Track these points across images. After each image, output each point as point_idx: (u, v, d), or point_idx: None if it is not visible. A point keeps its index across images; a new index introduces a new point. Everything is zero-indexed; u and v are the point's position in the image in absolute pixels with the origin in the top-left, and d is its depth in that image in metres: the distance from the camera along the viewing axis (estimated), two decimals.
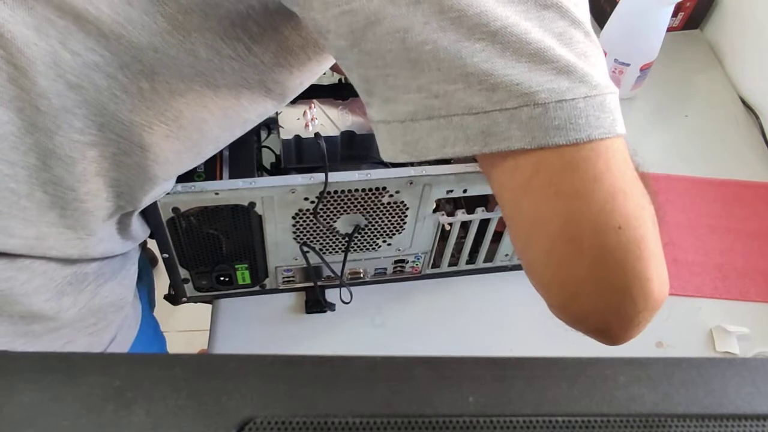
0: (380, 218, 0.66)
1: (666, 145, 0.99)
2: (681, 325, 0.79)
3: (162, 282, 0.75)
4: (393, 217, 0.66)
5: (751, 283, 0.83)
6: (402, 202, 0.64)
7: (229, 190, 0.58)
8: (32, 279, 0.46)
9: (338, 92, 0.70)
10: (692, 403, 0.26)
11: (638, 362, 0.27)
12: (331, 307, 0.75)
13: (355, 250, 0.70)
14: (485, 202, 0.68)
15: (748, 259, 0.85)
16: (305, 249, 0.67)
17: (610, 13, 0.96)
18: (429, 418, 0.24)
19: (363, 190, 0.62)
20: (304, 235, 0.67)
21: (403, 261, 0.74)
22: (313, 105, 0.69)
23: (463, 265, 0.77)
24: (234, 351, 0.72)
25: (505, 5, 0.34)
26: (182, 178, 0.56)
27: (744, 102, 1.04)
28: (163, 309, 0.79)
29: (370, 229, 0.68)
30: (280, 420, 0.23)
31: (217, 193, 0.58)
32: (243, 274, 0.71)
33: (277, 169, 0.69)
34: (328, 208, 0.63)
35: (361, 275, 0.75)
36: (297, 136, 0.66)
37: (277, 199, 0.61)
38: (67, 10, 0.38)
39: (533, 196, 0.36)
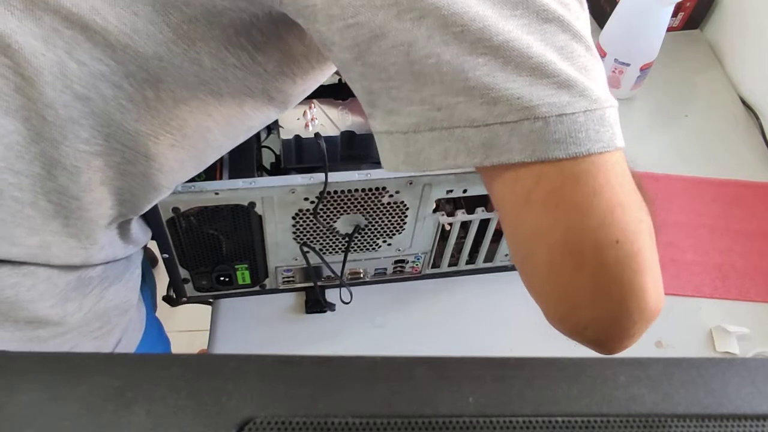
0: (380, 218, 0.66)
1: (666, 145, 0.99)
2: (681, 325, 0.79)
3: (162, 282, 0.75)
4: (393, 217, 0.66)
5: (751, 283, 0.83)
6: (402, 202, 0.64)
7: (229, 190, 0.58)
8: (36, 285, 0.46)
9: (338, 92, 0.70)
10: (692, 403, 0.26)
11: (638, 362, 0.27)
12: (331, 307, 0.75)
13: (355, 250, 0.70)
14: (485, 202, 0.68)
15: (747, 259, 0.85)
16: (305, 249, 0.67)
17: (610, 13, 0.96)
18: (429, 418, 0.24)
19: (363, 190, 0.62)
20: (304, 235, 0.67)
21: (403, 261, 0.74)
22: (313, 105, 0.69)
23: (463, 265, 0.77)
24: (234, 351, 0.72)
25: (508, 19, 0.35)
26: None
27: (744, 102, 1.04)
28: (163, 309, 0.79)
29: (370, 229, 0.68)
30: (280, 420, 0.23)
31: (217, 193, 0.58)
32: (243, 274, 0.71)
33: (277, 169, 0.69)
34: (328, 208, 0.63)
35: (361, 275, 0.75)
36: (297, 136, 0.66)
37: (277, 199, 0.61)
38: (74, 21, 0.39)
39: (533, 209, 0.36)
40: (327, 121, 0.68)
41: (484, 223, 0.70)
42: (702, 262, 0.85)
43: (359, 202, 0.63)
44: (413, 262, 0.75)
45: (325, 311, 0.75)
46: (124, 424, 0.23)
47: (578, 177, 0.35)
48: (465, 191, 0.64)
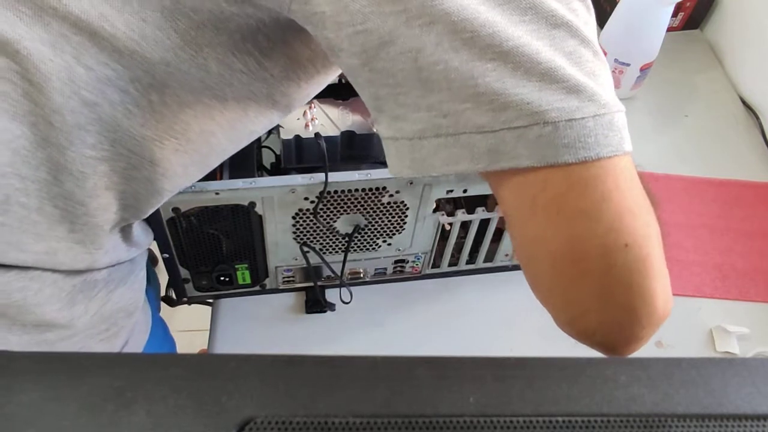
0: (380, 218, 0.66)
1: (666, 145, 0.99)
2: (681, 325, 0.79)
3: (162, 282, 0.75)
4: (393, 217, 0.66)
5: (751, 283, 0.83)
6: (402, 202, 0.64)
7: (229, 190, 0.58)
8: (43, 289, 0.46)
9: (338, 92, 0.70)
10: (692, 403, 0.26)
11: (638, 362, 0.27)
12: (331, 307, 0.75)
13: (355, 250, 0.70)
14: (485, 202, 0.68)
15: (747, 259, 0.85)
16: (305, 249, 0.67)
17: (610, 13, 0.96)
18: (429, 418, 0.24)
19: (363, 190, 0.62)
20: (304, 235, 0.67)
21: (403, 261, 0.74)
22: (313, 105, 0.69)
23: (463, 265, 0.77)
24: (234, 351, 0.72)
25: (517, 25, 0.35)
26: None
27: (744, 102, 1.04)
28: (163, 309, 0.79)
29: (370, 229, 0.68)
30: (280, 420, 0.23)
31: (217, 193, 0.58)
32: (243, 274, 0.71)
33: (277, 169, 0.69)
34: (328, 208, 0.63)
35: (361, 275, 0.75)
36: (297, 136, 0.66)
37: (277, 199, 0.61)
38: (82, 27, 0.39)
39: (541, 214, 0.36)
40: (327, 121, 0.68)
41: (484, 223, 0.70)
42: (702, 262, 0.85)
43: (359, 202, 0.63)
44: (413, 262, 0.75)
45: (325, 311, 0.75)
46: (124, 424, 0.23)
47: (587, 181, 0.35)
48: (465, 191, 0.64)
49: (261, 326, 0.74)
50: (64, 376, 0.24)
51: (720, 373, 0.27)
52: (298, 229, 0.66)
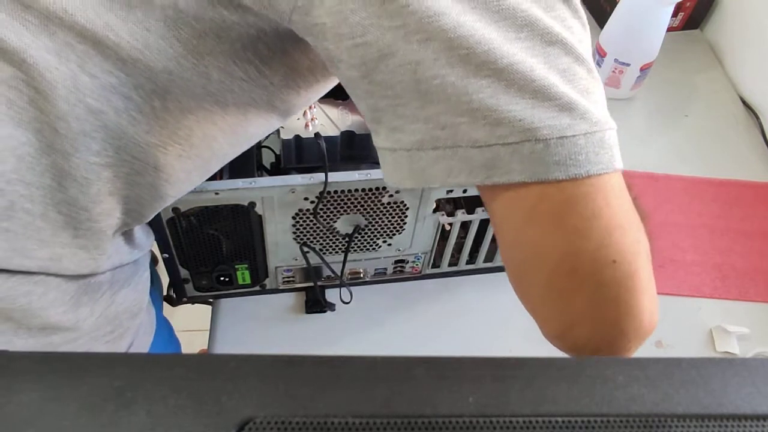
0: (380, 218, 0.66)
1: (666, 145, 0.99)
2: (681, 325, 0.79)
3: (162, 282, 0.75)
4: (393, 217, 0.66)
5: (751, 283, 0.83)
6: (402, 202, 0.64)
7: (229, 190, 0.58)
8: (47, 292, 0.46)
9: (338, 92, 0.70)
10: (692, 403, 0.26)
11: (638, 362, 0.27)
12: (331, 307, 0.75)
13: (355, 250, 0.70)
14: None
15: (747, 259, 0.85)
16: (305, 249, 0.67)
17: (610, 13, 0.96)
18: (429, 418, 0.24)
19: (363, 190, 0.62)
20: (304, 235, 0.67)
21: (403, 261, 0.74)
22: (313, 105, 0.69)
23: (463, 265, 0.77)
24: (234, 351, 0.72)
25: (513, 42, 0.35)
26: None
27: (744, 102, 1.04)
28: (164, 309, 0.79)
29: (370, 229, 0.68)
30: (280, 420, 0.23)
31: (217, 193, 0.58)
32: (243, 274, 0.71)
33: (277, 169, 0.69)
34: (328, 208, 0.63)
35: (361, 275, 0.75)
36: (297, 136, 0.66)
37: (277, 199, 0.61)
38: (87, 36, 0.39)
39: (532, 230, 0.37)
40: (327, 121, 0.68)
41: (484, 223, 0.70)
42: (702, 262, 0.85)
43: (359, 202, 0.63)
44: (413, 262, 0.75)
45: (325, 311, 0.75)
46: (124, 424, 0.23)
47: (578, 198, 0.36)
48: (465, 191, 0.64)
49: (261, 326, 0.74)
50: (64, 376, 0.24)
51: (720, 373, 0.27)
52: (298, 229, 0.66)
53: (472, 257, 0.76)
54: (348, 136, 0.67)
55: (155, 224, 0.60)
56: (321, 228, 0.66)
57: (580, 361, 0.28)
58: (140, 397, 0.24)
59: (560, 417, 0.25)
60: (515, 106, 0.35)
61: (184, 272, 0.69)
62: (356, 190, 0.62)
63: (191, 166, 0.49)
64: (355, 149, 0.68)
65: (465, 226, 0.70)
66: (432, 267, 0.76)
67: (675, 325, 0.79)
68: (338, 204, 0.63)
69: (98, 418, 0.23)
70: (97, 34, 0.39)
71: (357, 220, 0.66)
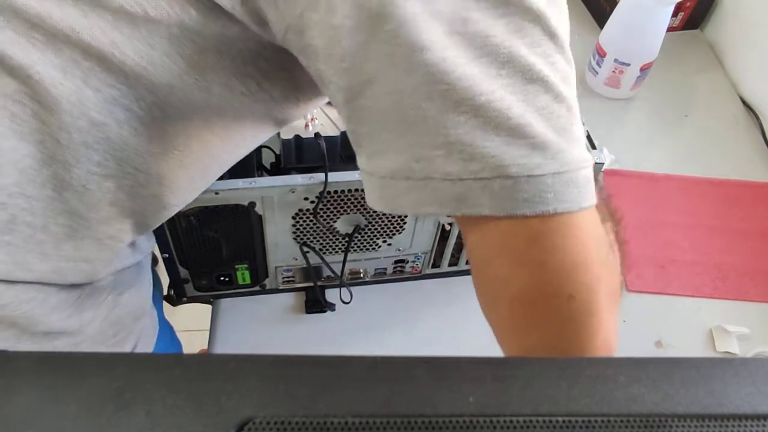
0: (380, 218, 0.66)
1: (666, 145, 0.99)
2: (681, 325, 0.79)
3: (162, 282, 0.75)
4: (393, 217, 0.66)
5: (751, 283, 0.83)
6: None
7: (229, 190, 0.58)
8: (49, 298, 0.46)
9: None
10: (692, 403, 0.26)
11: (638, 362, 0.27)
12: (331, 307, 0.75)
13: (355, 250, 0.70)
14: None
15: (747, 259, 0.85)
16: (305, 249, 0.67)
17: (610, 13, 0.96)
18: (429, 418, 0.24)
19: (363, 190, 0.62)
20: (304, 235, 0.67)
21: (403, 261, 0.74)
22: None
23: (463, 265, 0.77)
24: (234, 351, 0.72)
25: (494, 79, 0.35)
26: None
27: (744, 102, 1.04)
28: (163, 307, 0.79)
29: (370, 229, 0.68)
30: (279, 420, 0.23)
31: (217, 193, 0.58)
32: (243, 274, 0.71)
33: (277, 169, 0.69)
34: (328, 208, 0.63)
35: (361, 275, 0.75)
36: (297, 136, 0.66)
37: (277, 199, 0.61)
38: (93, 53, 0.39)
39: (499, 261, 0.38)
40: (327, 121, 0.68)
41: None
42: (702, 262, 0.85)
43: (359, 202, 0.63)
44: (413, 262, 0.75)
45: (325, 311, 0.75)
46: (124, 425, 0.23)
47: (543, 234, 0.37)
48: None
49: (261, 326, 0.74)
50: (63, 376, 0.24)
51: (720, 373, 0.27)
52: (298, 229, 0.66)
53: None
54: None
55: None
56: (321, 228, 0.66)
57: (580, 361, 0.28)
58: (139, 397, 0.24)
59: (560, 417, 0.25)
60: (490, 143, 0.35)
61: (184, 272, 0.69)
62: (356, 190, 0.62)
63: (192, 173, 0.49)
64: None
65: None
66: (432, 267, 0.76)
67: (675, 325, 0.79)
68: (338, 204, 0.63)
69: (97, 419, 0.23)
70: (102, 51, 0.39)
71: (357, 220, 0.66)
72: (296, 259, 0.70)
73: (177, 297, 0.73)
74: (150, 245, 0.59)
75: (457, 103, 0.35)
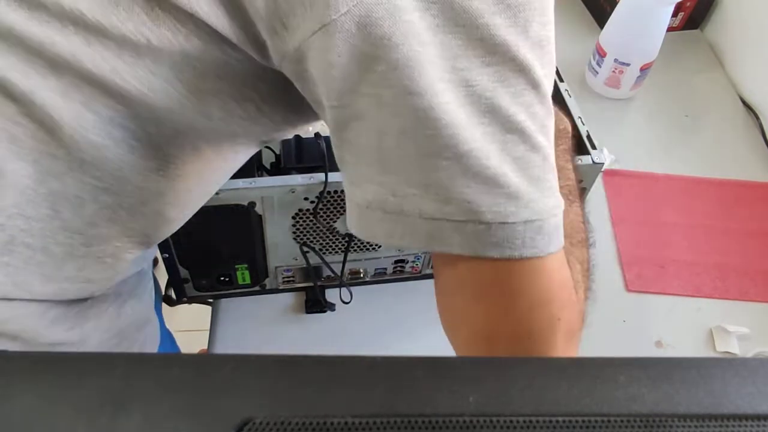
0: None
1: (666, 145, 0.99)
2: (681, 325, 0.79)
3: (161, 282, 0.75)
4: None
5: (751, 283, 0.83)
6: None
7: (229, 190, 0.58)
8: (48, 311, 0.46)
9: None
10: (692, 403, 0.26)
11: (638, 362, 0.27)
12: (331, 307, 0.75)
13: (355, 250, 0.70)
14: None
15: (747, 259, 0.85)
16: (305, 249, 0.67)
17: (610, 13, 0.96)
18: (429, 418, 0.24)
19: None
20: (304, 235, 0.67)
21: (403, 261, 0.74)
22: None
23: None
24: (234, 351, 0.72)
25: (476, 127, 0.36)
26: None
27: (744, 102, 1.04)
28: (163, 309, 0.79)
29: None
30: (279, 420, 0.23)
31: (217, 193, 0.58)
32: (243, 274, 0.71)
33: (277, 169, 0.69)
34: (328, 208, 0.63)
35: (361, 275, 0.75)
36: (297, 136, 0.66)
37: (277, 199, 0.61)
38: (94, 80, 0.40)
39: (464, 295, 0.40)
40: None
41: None
42: (702, 262, 0.85)
43: None
44: (413, 262, 0.75)
45: (325, 311, 0.75)
46: (122, 425, 0.23)
47: (507, 276, 0.39)
48: None
49: (261, 326, 0.74)
50: (61, 376, 0.24)
51: (720, 373, 0.27)
52: (298, 229, 0.66)
53: None
54: None
55: None
56: (321, 228, 0.66)
57: (580, 361, 0.28)
58: (138, 398, 0.24)
59: (560, 417, 0.25)
60: (467, 189, 0.37)
61: (184, 272, 0.69)
62: None
63: (191, 185, 0.49)
64: None
65: None
66: (432, 267, 0.76)
67: (675, 325, 0.79)
68: (338, 204, 0.63)
69: (97, 419, 0.23)
70: (104, 78, 0.39)
71: None
72: (296, 259, 0.70)
73: (177, 297, 0.73)
74: (153, 253, 0.58)
75: (441, 148, 0.36)
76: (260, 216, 0.62)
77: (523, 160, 0.37)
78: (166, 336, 0.73)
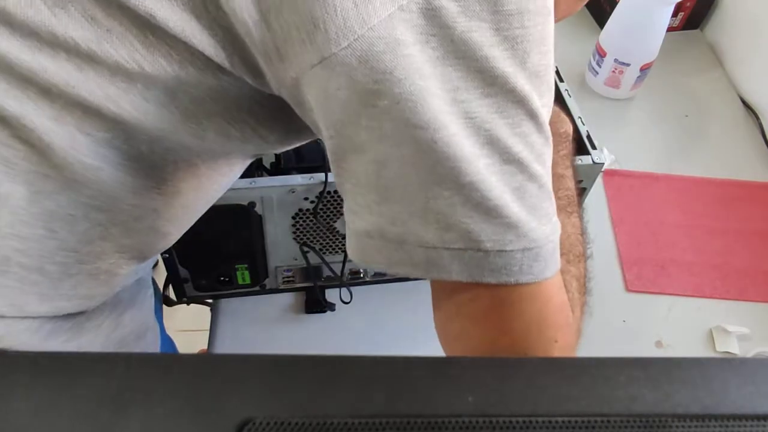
0: None
1: (666, 145, 0.99)
2: (681, 325, 0.79)
3: (161, 281, 0.75)
4: None
5: (751, 283, 0.83)
6: None
7: (229, 189, 0.58)
8: (43, 326, 0.46)
9: None
10: (692, 403, 0.26)
11: (638, 362, 0.27)
12: (331, 307, 0.75)
13: None
14: None
15: (747, 259, 0.85)
16: (305, 249, 0.67)
17: (610, 13, 0.96)
18: (428, 418, 0.24)
19: None
20: (304, 235, 0.67)
21: None
22: None
23: None
24: (234, 351, 0.72)
25: (477, 159, 0.37)
26: None
27: (744, 102, 1.04)
28: (162, 309, 0.79)
29: None
30: (279, 420, 0.23)
31: None
32: (243, 274, 0.71)
33: (277, 169, 0.69)
34: (328, 208, 0.63)
35: (361, 275, 0.75)
36: None
37: (276, 199, 0.61)
38: (88, 106, 0.39)
39: (461, 318, 0.41)
40: None
41: None
42: (702, 262, 0.85)
43: None
44: None
45: (325, 311, 0.75)
46: (123, 425, 0.23)
47: (504, 301, 0.39)
48: None
49: (261, 326, 0.74)
50: (61, 376, 0.24)
51: (720, 373, 0.27)
52: (298, 229, 0.65)
53: None
54: None
55: None
56: (321, 228, 0.66)
57: (580, 361, 0.28)
58: (138, 398, 0.24)
59: (560, 417, 0.25)
60: (468, 219, 0.37)
61: (183, 272, 0.69)
62: None
63: (186, 201, 0.49)
64: None
65: None
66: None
67: (675, 325, 0.79)
68: (338, 204, 0.63)
69: (97, 419, 0.23)
70: (98, 105, 0.39)
71: None
72: (296, 259, 0.70)
73: (177, 297, 0.73)
74: (151, 262, 0.58)
75: (443, 179, 0.36)
76: (260, 216, 0.62)
77: (521, 190, 0.38)
78: (167, 342, 0.72)
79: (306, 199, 0.61)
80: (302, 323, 0.75)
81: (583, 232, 0.52)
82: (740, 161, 0.97)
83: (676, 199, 0.92)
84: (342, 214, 0.64)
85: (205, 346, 0.74)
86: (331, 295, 0.76)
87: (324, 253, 0.69)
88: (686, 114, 1.03)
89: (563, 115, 0.59)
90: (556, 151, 0.44)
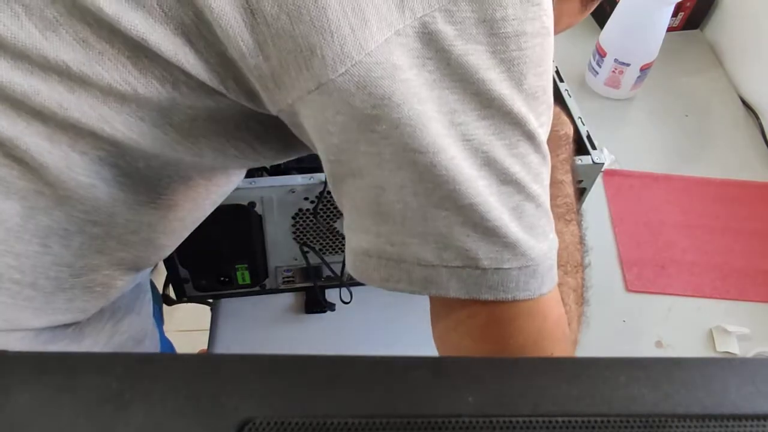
0: None
1: (666, 145, 0.99)
2: (681, 325, 0.79)
3: (161, 282, 0.75)
4: None
5: (751, 283, 0.83)
6: None
7: None
8: (41, 333, 0.45)
9: None
10: (692, 403, 0.26)
11: (638, 362, 0.27)
12: (331, 307, 0.75)
13: None
14: None
15: (747, 259, 0.85)
16: (305, 249, 0.67)
17: (610, 13, 0.96)
18: (428, 418, 0.24)
19: None
20: (304, 235, 0.67)
21: None
22: None
23: None
24: (234, 351, 0.72)
25: (476, 180, 0.37)
26: None
27: (744, 102, 1.04)
28: (162, 309, 0.79)
29: None
30: (279, 420, 0.23)
31: None
32: (243, 274, 0.70)
33: (277, 169, 0.69)
34: (328, 208, 0.63)
35: None
36: None
37: (277, 199, 0.61)
38: (82, 127, 0.39)
39: (460, 334, 0.42)
40: None
41: None
42: (702, 262, 0.85)
43: None
44: None
45: (325, 311, 0.75)
46: (123, 425, 0.23)
47: (501, 317, 0.40)
48: None
49: (261, 326, 0.74)
50: (61, 376, 0.24)
51: (720, 373, 0.27)
52: (298, 229, 0.66)
53: None
54: None
55: None
56: (321, 228, 0.66)
57: (580, 361, 0.28)
58: (139, 398, 0.24)
59: (560, 417, 0.25)
60: (466, 238, 0.37)
61: (183, 272, 0.69)
62: None
63: (182, 214, 0.49)
64: None
65: None
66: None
67: (675, 325, 0.79)
68: None
69: (97, 419, 0.23)
70: (92, 125, 0.39)
71: None
72: (296, 259, 0.70)
73: (177, 297, 0.73)
74: (149, 270, 0.58)
75: (442, 200, 0.37)
76: (260, 216, 0.62)
77: (518, 209, 0.38)
78: (166, 345, 0.72)
79: (306, 199, 0.61)
80: (302, 323, 0.75)
81: (581, 241, 0.52)
82: (740, 161, 0.97)
83: (676, 199, 0.92)
84: (342, 215, 0.64)
85: (205, 346, 0.74)
86: (331, 295, 0.76)
87: (324, 253, 0.69)
88: (686, 114, 1.03)
89: (563, 117, 0.59)
90: (555, 155, 0.44)
